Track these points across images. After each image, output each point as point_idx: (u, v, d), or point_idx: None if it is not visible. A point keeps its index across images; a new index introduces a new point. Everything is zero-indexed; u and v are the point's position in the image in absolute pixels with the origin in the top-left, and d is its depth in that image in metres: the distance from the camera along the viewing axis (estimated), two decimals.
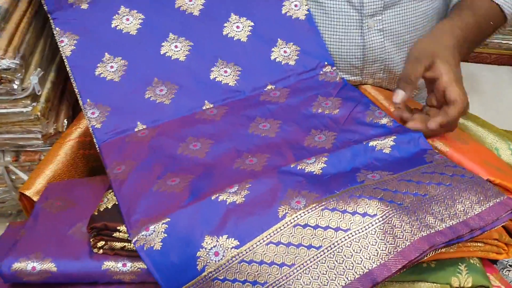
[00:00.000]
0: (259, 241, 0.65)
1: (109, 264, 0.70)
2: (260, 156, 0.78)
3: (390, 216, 0.65)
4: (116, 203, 0.74)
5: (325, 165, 0.74)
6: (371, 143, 0.77)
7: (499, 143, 0.96)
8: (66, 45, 0.90)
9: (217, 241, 0.65)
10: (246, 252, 0.65)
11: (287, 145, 0.81)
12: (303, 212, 0.66)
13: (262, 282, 0.63)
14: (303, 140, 0.82)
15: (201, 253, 0.65)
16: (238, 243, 0.65)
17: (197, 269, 0.65)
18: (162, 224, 0.67)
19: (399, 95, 0.80)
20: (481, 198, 0.68)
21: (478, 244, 0.71)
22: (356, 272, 0.62)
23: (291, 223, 0.66)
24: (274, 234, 0.65)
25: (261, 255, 0.64)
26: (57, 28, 0.90)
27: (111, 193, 0.77)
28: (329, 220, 0.65)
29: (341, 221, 0.65)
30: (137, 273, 0.71)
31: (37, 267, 0.69)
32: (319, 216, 0.66)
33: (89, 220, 0.71)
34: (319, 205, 0.67)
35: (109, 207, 0.74)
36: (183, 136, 0.84)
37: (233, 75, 0.93)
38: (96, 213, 0.73)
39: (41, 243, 0.73)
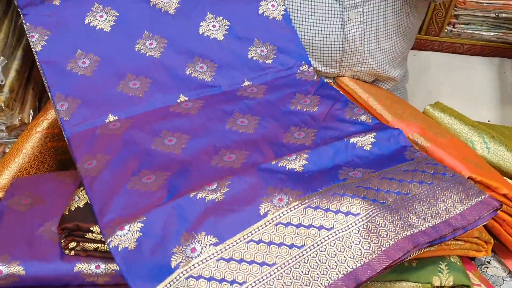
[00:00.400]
0: (239, 238, 0.64)
1: (82, 266, 0.68)
2: (239, 152, 0.77)
3: (373, 215, 0.64)
4: (88, 201, 0.71)
5: (306, 162, 0.73)
6: (351, 140, 0.77)
7: (474, 136, 0.96)
8: (37, 40, 0.86)
9: (194, 237, 0.63)
10: (225, 250, 0.63)
11: (266, 142, 0.79)
12: (286, 210, 0.65)
13: (241, 281, 0.61)
14: (282, 136, 0.81)
15: (177, 250, 0.63)
16: (217, 240, 0.63)
17: (171, 266, 0.62)
18: (137, 223, 0.65)
19: None
20: (463, 197, 0.67)
21: (459, 242, 0.71)
22: (339, 272, 0.61)
23: (273, 221, 0.65)
24: (255, 232, 0.64)
25: (241, 253, 0.63)
26: (27, 23, 0.87)
27: (82, 191, 0.73)
28: (312, 218, 0.64)
29: (324, 219, 0.64)
30: (111, 275, 0.68)
31: (4, 270, 0.66)
32: (302, 214, 0.65)
33: (60, 220, 0.68)
34: (302, 203, 0.66)
35: (81, 206, 0.71)
36: (157, 130, 0.81)
37: (209, 71, 0.91)
38: (67, 213, 0.69)
39: (8, 244, 0.69)
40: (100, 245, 0.68)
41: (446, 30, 1.47)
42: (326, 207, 0.65)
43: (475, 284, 0.70)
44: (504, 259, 0.80)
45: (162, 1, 0.93)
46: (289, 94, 0.90)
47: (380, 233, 0.63)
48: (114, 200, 0.69)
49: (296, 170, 0.72)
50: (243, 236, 0.64)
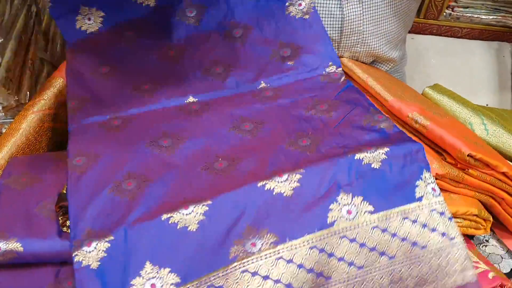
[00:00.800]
0: (202, 281, 0.61)
1: None
2: (232, 160, 0.71)
3: None
4: None
5: (298, 185, 0.65)
6: (357, 156, 0.67)
7: (473, 118, 0.96)
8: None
9: (157, 272, 0.60)
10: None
11: (265, 148, 0.73)
12: (256, 258, 0.62)
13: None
14: (284, 142, 0.73)
15: (136, 282, 0.60)
16: (179, 280, 0.60)
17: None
18: (104, 242, 0.61)
19: None
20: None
21: (458, 220, 0.71)
22: None
23: (240, 267, 0.61)
24: (219, 276, 0.61)
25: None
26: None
27: None
28: (282, 273, 0.62)
29: (293, 277, 0.62)
30: None
31: (2, 247, 0.65)
32: (272, 265, 0.62)
33: (57, 199, 0.68)
34: (274, 253, 0.62)
35: None
36: (157, 130, 0.77)
37: (225, 73, 0.87)
38: (65, 191, 0.69)
39: (5, 221, 0.69)
40: None
41: (445, 14, 1.46)
42: (299, 263, 0.62)
43: (474, 262, 0.70)
44: (502, 239, 0.80)
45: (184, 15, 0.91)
46: (306, 99, 0.83)
47: None
48: (91, 205, 0.66)
49: (284, 194, 0.65)
50: (205, 280, 0.61)
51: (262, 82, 0.87)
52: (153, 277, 0.60)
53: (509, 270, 0.73)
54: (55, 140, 0.93)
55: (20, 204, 0.72)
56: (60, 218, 0.68)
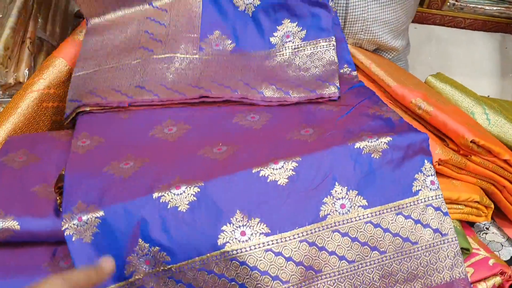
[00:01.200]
0: (191, 264, 0.61)
1: None
2: (232, 145, 0.70)
3: None
4: None
5: (293, 173, 0.64)
6: (357, 145, 0.65)
7: (475, 107, 0.95)
8: None
9: (149, 249, 0.60)
10: (176, 271, 0.61)
11: (266, 138, 0.72)
12: (245, 248, 0.61)
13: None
14: (287, 133, 0.72)
15: (132, 259, 0.61)
16: (170, 259, 0.60)
17: (125, 274, 0.61)
18: (95, 218, 0.61)
19: None
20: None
21: (459, 206, 0.71)
22: None
23: (229, 255, 0.61)
24: (208, 261, 0.61)
25: (190, 279, 0.61)
26: None
27: None
28: (270, 265, 0.61)
29: (281, 270, 0.61)
30: None
31: None
32: (261, 258, 0.61)
33: (57, 179, 0.67)
34: (264, 245, 0.62)
35: None
36: (163, 118, 0.77)
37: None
38: (64, 172, 0.68)
39: (2, 200, 0.68)
40: None
41: (448, 4, 1.45)
42: (288, 256, 0.62)
43: (474, 249, 0.69)
44: (502, 227, 0.80)
45: None
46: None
47: None
48: (85, 181, 0.65)
49: (278, 183, 0.64)
50: (194, 263, 0.61)
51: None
52: (145, 254, 0.61)
53: (509, 257, 0.73)
54: (53, 119, 0.92)
55: (17, 183, 0.71)
56: (58, 198, 0.67)
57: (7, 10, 0.94)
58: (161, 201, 0.62)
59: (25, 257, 0.67)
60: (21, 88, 0.90)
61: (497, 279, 0.66)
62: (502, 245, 0.75)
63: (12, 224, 0.65)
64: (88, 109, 0.79)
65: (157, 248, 0.60)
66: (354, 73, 0.87)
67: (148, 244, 0.60)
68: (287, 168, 0.64)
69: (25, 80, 0.93)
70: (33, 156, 0.77)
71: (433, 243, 0.63)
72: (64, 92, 0.90)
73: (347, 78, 0.85)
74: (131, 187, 0.64)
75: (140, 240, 0.60)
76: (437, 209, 0.64)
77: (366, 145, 0.65)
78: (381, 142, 0.65)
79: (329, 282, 0.62)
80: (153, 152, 0.70)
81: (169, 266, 0.61)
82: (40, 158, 0.76)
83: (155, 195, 0.62)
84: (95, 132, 0.74)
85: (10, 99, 0.90)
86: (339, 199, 0.63)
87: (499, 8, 1.45)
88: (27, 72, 0.95)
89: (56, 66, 0.90)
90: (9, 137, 0.82)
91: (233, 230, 0.61)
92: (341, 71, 0.88)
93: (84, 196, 0.63)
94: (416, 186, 0.64)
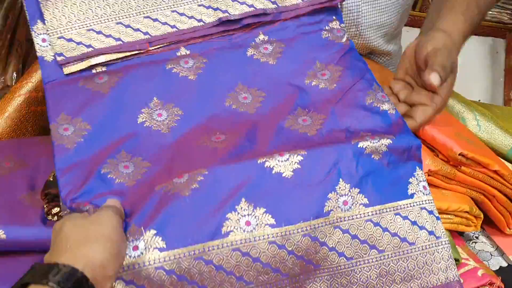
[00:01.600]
0: (187, 252, 0.57)
1: None
2: (231, 134, 0.68)
3: None
4: None
5: (298, 166, 0.63)
6: (360, 144, 0.65)
7: (466, 113, 0.95)
8: None
9: (142, 233, 0.57)
10: (169, 260, 0.57)
11: (265, 125, 0.70)
12: (249, 239, 0.59)
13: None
14: (285, 120, 0.70)
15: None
16: (165, 246, 0.57)
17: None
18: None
19: (438, 79, 0.68)
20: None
21: (449, 216, 0.71)
22: None
23: (232, 245, 0.59)
24: (209, 250, 0.58)
25: (184, 269, 0.57)
26: None
27: None
28: (272, 258, 0.60)
29: (283, 263, 0.60)
30: None
31: None
32: (265, 249, 0.59)
33: (44, 186, 0.66)
34: (269, 236, 0.60)
35: None
36: (147, 96, 0.71)
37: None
38: (52, 179, 0.68)
39: None
40: None
41: None
42: (290, 249, 0.60)
43: (463, 259, 0.69)
44: (492, 236, 0.80)
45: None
46: (308, 61, 0.77)
47: None
48: (85, 184, 0.62)
49: (283, 175, 0.62)
50: (193, 251, 0.58)
51: (260, 32, 0.80)
52: (136, 238, 0.57)
53: (498, 267, 0.73)
54: (41, 124, 0.91)
55: (3, 190, 0.71)
56: (45, 206, 0.67)
57: None
58: (163, 191, 0.60)
59: (11, 266, 0.66)
60: (9, 91, 0.89)
61: None
62: (492, 255, 0.75)
63: None
64: (97, 61, 0.71)
65: (152, 231, 0.57)
66: (343, 25, 0.83)
67: (141, 228, 0.57)
68: (292, 161, 0.63)
69: (13, 83, 0.92)
70: (20, 162, 0.76)
71: (429, 245, 0.64)
72: None
73: (337, 37, 0.81)
74: (139, 196, 0.61)
75: (133, 224, 0.58)
76: (431, 212, 0.65)
77: (368, 145, 0.65)
78: (382, 144, 0.66)
79: (326, 277, 0.62)
80: (150, 151, 0.66)
81: (162, 254, 0.57)
82: (27, 164, 0.76)
83: (158, 187, 0.61)
84: (74, 113, 0.67)
85: None
86: (343, 195, 0.63)
87: (490, 12, 1.46)
88: (15, 75, 0.94)
89: None
90: None
91: (238, 219, 0.59)
92: (330, 24, 0.82)
93: (87, 197, 0.61)
94: (411, 189, 0.65)
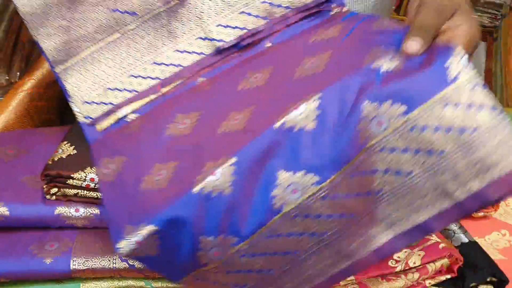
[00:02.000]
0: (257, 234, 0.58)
1: (62, 210, 0.72)
2: (245, 110, 0.65)
3: None
4: (71, 154, 0.75)
5: (319, 112, 0.57)
6: (374, 65, 0.57)
7: None
8: None
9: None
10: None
11: (275, 85, 0.66)
12: (302, 204, 0.57)
13: None
14: (294, 72, 0.65)
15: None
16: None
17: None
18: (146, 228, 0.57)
19: (418, 44, 0.57)
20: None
21: None
22: None
23: (290, 215, 0.58)
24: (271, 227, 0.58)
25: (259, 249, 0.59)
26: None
27: (66, 144, 0.77)
28: (331, 209, 0.58)
29: (343, 208, 0.59)
30: (89, 219, 0.73)
31: None
32: (320, 205, 0.58)
33: (44, 168, 0.72)
34: (320, 193, 0.57)
35: (64, 157, 0.74)
36: (171, 117, 0.71)
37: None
38: (51, 162, 0.73)
39: None
40: (79, 191, 0.72)
41: None
42: (345, 193, 0.57)
43: (431, 239, 0.74)
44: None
45: None
46: (311, 27, 0.74)
47: None
48: (126, 203, 0.62)
49: (306, 128, 0.57)
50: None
51: (267, 42, 0.77)
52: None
53: (459, 243, 0.78)
54: (44, 118, 0.97)
55: (7, 173, 0.77)
56: (44, 186, 0.72)
57: (1, 14, 1.00)
58: (201, 194, 0.57)
59: (14, 240, 0.72)
60: (13, 87, 0.95)
61: (445, 261, 0.72)
62: (454, 233, 0.80)
63: (2, 210, 0.70)
64: (122, 113, 0.73)
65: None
66: (346, 9, 0.77)
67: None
68: (311, 109, 0.57)
69: (17, 81, 0.99)
70: (22, 149, 0.82)
71: (494, 124, 0.53)
72: (53, 91, 0.96)
73: (339, 13, 0.76)
74: (170, 192, 0.60)
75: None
76: (485, 86, 0.54)
77: (383, 63, 0.56)
78: (396, 61, 0.57)
79: (391, 199, 0.58)
80: (177, 152, 0.66)
81: None
82: (29, 151, 0.82)
83: (195, 189, 0.57)
84: (114, 153, 0.70)
85: (2, 98, 0.96)
86: (374, 117, 0.55)
87: None
88: (19, 73, 1.00)
89: (46, 67, 0.96)
90: None
91: (283, 191, 0.57)
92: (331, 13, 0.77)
93: (127, 220, 0.59)
94: (453, 73, 0.53)
